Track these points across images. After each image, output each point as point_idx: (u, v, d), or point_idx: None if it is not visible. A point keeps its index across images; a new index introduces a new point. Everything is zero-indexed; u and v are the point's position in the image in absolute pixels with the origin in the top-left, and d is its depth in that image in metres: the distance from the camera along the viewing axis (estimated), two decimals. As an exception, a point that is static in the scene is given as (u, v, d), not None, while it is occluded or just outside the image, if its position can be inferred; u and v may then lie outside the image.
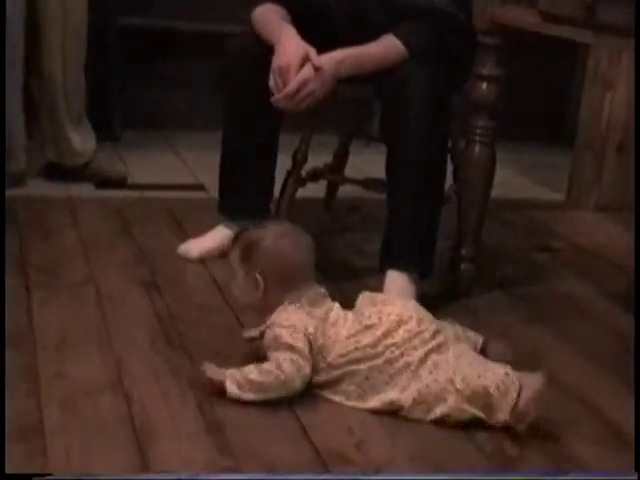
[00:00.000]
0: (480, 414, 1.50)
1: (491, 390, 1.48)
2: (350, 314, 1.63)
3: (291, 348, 1.54)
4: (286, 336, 1.55)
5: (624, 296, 2.18)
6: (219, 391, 1.53)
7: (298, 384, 1.54)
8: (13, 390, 1.50)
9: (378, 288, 1.89)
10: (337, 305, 1.64)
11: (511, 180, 3.10)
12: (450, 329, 1.64)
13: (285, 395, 1.54)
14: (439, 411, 1.51)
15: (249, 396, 1.53)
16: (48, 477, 1.23)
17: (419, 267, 1.96)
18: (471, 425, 1.51)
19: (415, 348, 1.54)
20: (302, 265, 1.64)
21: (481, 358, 1.59)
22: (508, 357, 1.62)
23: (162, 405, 1.51)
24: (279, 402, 1.53)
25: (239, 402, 1.52)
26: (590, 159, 2.94)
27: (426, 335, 1.56)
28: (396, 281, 1.93)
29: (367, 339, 1.56)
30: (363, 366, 1.55)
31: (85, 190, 2.70)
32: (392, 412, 1.54)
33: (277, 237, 1.64)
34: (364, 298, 1.65)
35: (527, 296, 2.16)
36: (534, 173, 3.30)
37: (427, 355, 1.54)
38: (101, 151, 2.81)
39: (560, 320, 2.03)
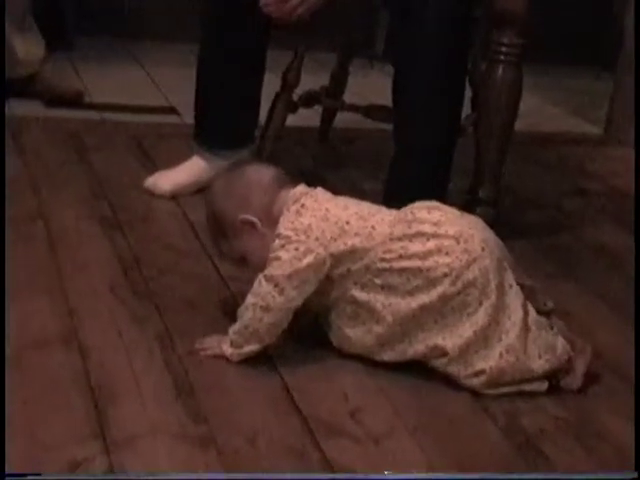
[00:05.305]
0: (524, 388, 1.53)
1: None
2: (387, 211, 1.59)
3: (276, 259, 1.51)
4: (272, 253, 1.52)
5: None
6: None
7: (282, 300, 1.49)
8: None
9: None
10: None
11: (540, 109, 3.11)
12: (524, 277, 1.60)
13: (284, 321, 1.52)
14: (479, 366, 1.51)
15: (251, 347, 1.53)
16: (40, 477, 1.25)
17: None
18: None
19: (474, 284, 1.50)
20: (273, 176, 1.62)
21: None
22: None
23: (124, 363, 1.53)
24: (260, 359, 1.55)
25: (214, 360, 1.54)
26: (634, 86, 2.94)
27: (488, 263, 1.52)
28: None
29: (415, 247, 1.52)
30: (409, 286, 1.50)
31: (32, 108, 2.69)
32: (399, 367, 1.54)
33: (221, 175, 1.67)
34: (420, 204, 1.60)
35: (554, 247, 2.18)
36: (567, 101, 3.30)
37: (488, 295, 1.50)
38: (51, 61, 2.79)
39: (592, 275, 2.05)
